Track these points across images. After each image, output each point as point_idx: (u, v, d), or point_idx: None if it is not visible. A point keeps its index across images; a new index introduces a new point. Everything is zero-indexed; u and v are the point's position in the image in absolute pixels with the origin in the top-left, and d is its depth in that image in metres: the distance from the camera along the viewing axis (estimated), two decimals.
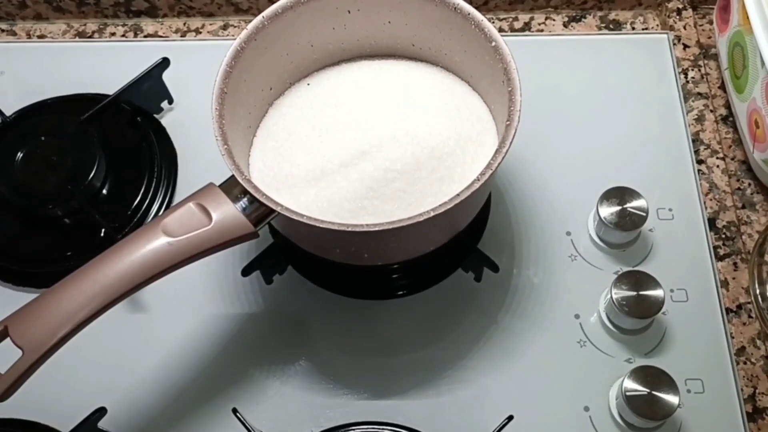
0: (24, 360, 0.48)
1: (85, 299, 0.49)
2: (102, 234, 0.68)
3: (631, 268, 0.65)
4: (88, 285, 0.50)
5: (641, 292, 0.60)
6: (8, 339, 0.49)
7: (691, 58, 0.76)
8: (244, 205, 0.53)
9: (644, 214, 0.64)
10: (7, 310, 0.50)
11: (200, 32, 0.84)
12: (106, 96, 0.74)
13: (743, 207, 0.69)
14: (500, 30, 0.75)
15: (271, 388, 0.63)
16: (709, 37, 0.78)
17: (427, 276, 0.66)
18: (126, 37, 0.83)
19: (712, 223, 0.68)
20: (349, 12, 0.62)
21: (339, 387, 0.63)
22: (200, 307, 0.67)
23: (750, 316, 0.64)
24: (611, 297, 0.61)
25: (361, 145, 0.58)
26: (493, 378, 0.63)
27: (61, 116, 0.74)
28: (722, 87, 0.75)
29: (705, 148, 0.71)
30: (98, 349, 0.64)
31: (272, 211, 0.52)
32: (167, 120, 0.76)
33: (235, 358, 0.65)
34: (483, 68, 0.60)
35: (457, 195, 0.51)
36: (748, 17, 0.64)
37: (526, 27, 0.82)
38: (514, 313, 0.65)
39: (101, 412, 0.61)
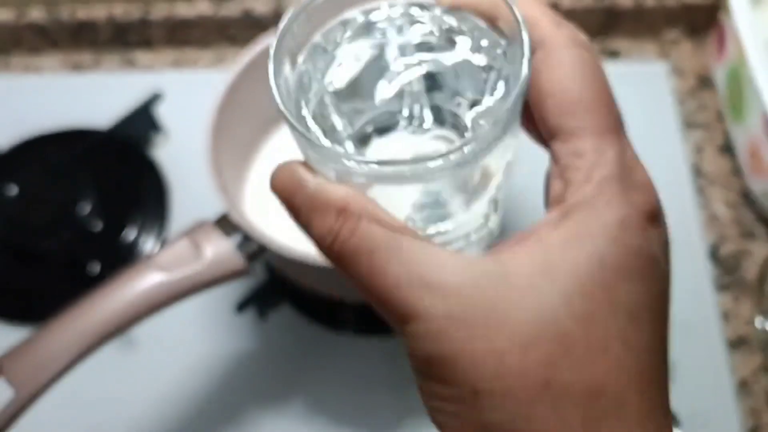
0: (17, 399, 0.48)
1: (77, 337, 0.49)
2: (94, 270, 0.68)
3: None
4: (81, 323, 0.50)
5: None
6: (2, 378, 0.48)
7: (689, 87, 0.76)
8: (237, 242, 0.52)
9: None
10: None
11: (195, 64, 0.84)
12: (99, 131, 0.74)
13: (744, 237, 0.69)
14: None
15: (265, 424, 0.63)
16: (707, 67, 0.78)
17: None
18: (120, 70, 0.83)
19: (712, 253, 0.67)
20: None
21: (335, 424, 0.62)
22: (194, 344, 0.66)
23: (752, 348, 0.63)
24: None
25: None
26: None
27: (54, 151, 0.74)
28: (720, 116, 0.75)
29: (704, 178, 0.71)
30: (91, 387, 0.63)
31: (266, 247, 0.52)
32: (160, 153, 0.76)
33: (229, 395, 0.64)
34: None
35: None
36: (743, 48, 0.64)
37: None
38: None
39: None
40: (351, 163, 0.25)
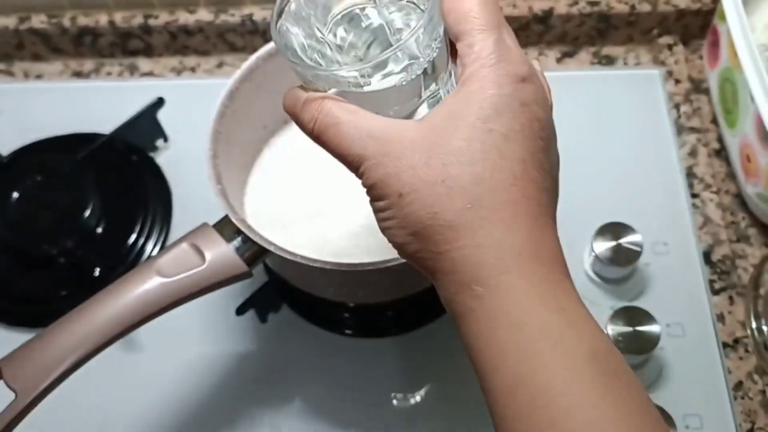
0: (18, 402, 0.48)
1: (78, 340, 0.49)
2: (96, 274, 0.68)
3: (626, 304, 0.65)
4: (82, 326, 0.50)
5: (637, 328, 0.60)
6: (1, 381, 0.49)
7: (683, 92, 0.77)
8: (237, 245, 0.53)
9: (639, 249, 0.64)
10: (0, 349, 0.50)
11: (195, 71, 0.84)
12: (101, 135, 0.75)
13: (738, 241, 0.69)
14: None
15: (265, 426, 0.63)
16: (700, 72, 0.79)
17: (422, 314, 0.66)
18: (122, 77, 0.84)
19: (707, 257, 0.68)
20: None
21: (334, 425, 0.63)
22: (195, 347, 0.67)
23: (747, 351, 0.63)
24: (607, 333, 0.60)
25: (356, 183, 0.59)
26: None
27: (57, 156, 0.74)
28: (714, 121, 0.75)
29: (698, 182, 0.72)
30: (92, 389, 0.64)
31: (266, 250, 0.53)
32: (162, 159, 0.77)
33: (229, 397, 0.64)
34: None
35: None
36: (736, 53, 0.65)
37: None
38: None
39: None
40: (315, 72, 0.37)
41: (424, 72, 0.38)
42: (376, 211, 0.37)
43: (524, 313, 0.33)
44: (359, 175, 0.37)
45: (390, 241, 0.37)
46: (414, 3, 0.38)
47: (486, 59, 0.35)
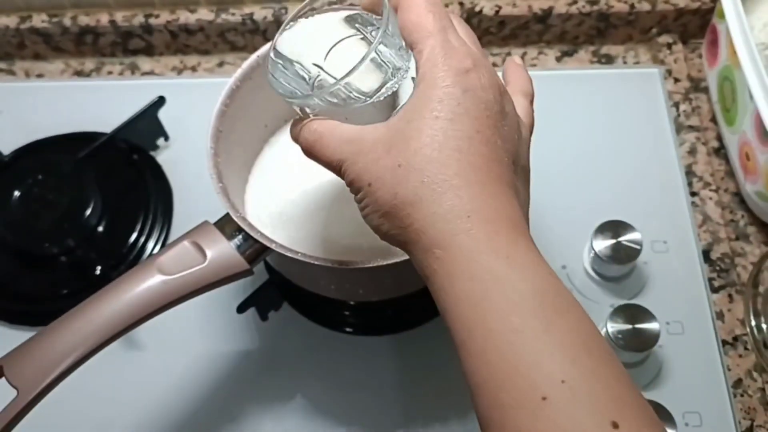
0: (19, 400, 0.48)
1: (80, 338, 0.49)
2: (97, 272, 0.68)
3: (626, 301, 0.65)
4: (84, 324, 0.50)
5: (637, 326, 0.61)
6: (3, 379, 0.49)
7: (682, 91, 0.77)
8: (238, 243, 0.53)
9: (638, 247, 0.64)
10: (2, 348, 0.50)
11: (196, 70, 0.84)
12: (102, 134, 0.75)
13: (737, 239, 0.69)
14: (494, 65, 0.76)
15: (266, 424, 0.63)
16: (700, 71, 0.79)
17: (422, 311, 0.66)
18: (123, 76, 0.84)
19: (706, 255, 0.68)
20: None
21: (334, 423, 0.63)
22: (196, 345, 0.67)
23: (746, 348, 0.64)
24: (607, 331, 0.61)
25: None
26: None
27: (58, 155, 0.75)
28: (713, 119, 0.76)
29: (698, 181, 0.72)
30: (94, 387, 0.64)
31: (267, 248, 0.53)
32: (163, 157, 0.77)
33: (230, 394, 0.65)
34: None
35: None
36: (735, 52, 0.65)
37: None
38: None
39: None
40: (296, 101, 0.44)
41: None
42: (357, 203, 0.42)
43: (475, 266, 0.37)
44: (342, 177, 0.42)
45: (369, 226, 0.42)
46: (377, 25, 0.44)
47: (433, 61, 0.40)
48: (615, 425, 0.33)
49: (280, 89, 0.44)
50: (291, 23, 0.46)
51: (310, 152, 0.43)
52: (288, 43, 0.46)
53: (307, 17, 0.46)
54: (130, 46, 0.85)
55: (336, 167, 0.42)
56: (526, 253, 0.38)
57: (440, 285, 0.38)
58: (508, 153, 0.41)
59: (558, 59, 0.82)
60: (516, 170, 0.42)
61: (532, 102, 0.47)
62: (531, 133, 0.46)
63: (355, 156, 0.41)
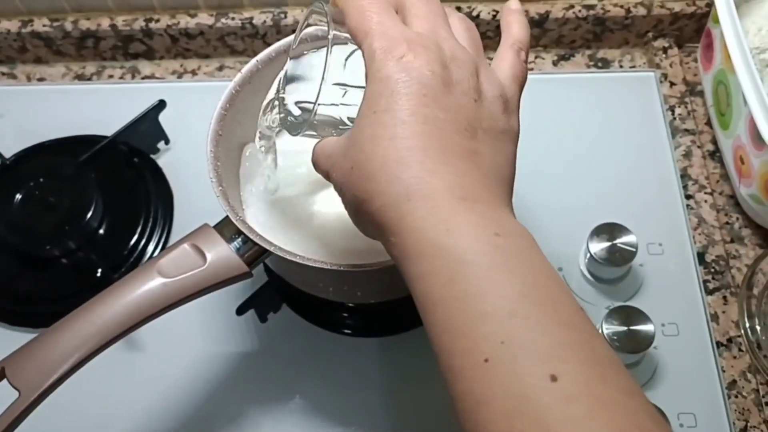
0: (21, 401, 0.48)
1: (81, 340, 0.50)
2: (98, 274, 0.69)
3: (621, 303, 0.65)
4: (84, 326, 0.50)
5: (632, 327, 0.61)
6: (5, 380, 0.49)
7: (678, 95, 0.78)
8: (238, 246, 0.53)
9: (634, 250, 0.65)
10: (4, 349, 0.51)
11: (196, 73, 0.85)
12: (103, 137, 0.75)
13: (732, 241, 0.70)
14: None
15: (266, 424, 0.64)
16: (695, 75, 0.80)
17: None
18: (124, 79, 0.85)
19: (701, 257, 0.69)
20: None
21: (333, 424, 0.63)
22: (195, 346, 0.67)
23: (740, 350, 0.64)
24: (602, 332, 0.61)
25: None
26: None
27: (60, 158, 0.75)
28: (709, 123, 0.76)
29: (693, 184, 0.72)
30: (94, 388, 0.64)
31: (266, 251, 0.53)
32: (164, 160, 0.78)
33: (229, 395, 0.65)
34: None
35: None
36: (730, 56, 0.65)
37: None
38: None
39: None
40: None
41: None
42: (345, 206, 0.45)
43: (421, 245, 0.38)
44: (330, 180, 0.45)
45: (354, 224, 0.45)
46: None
47: (370, 57, 0.42)
48: (554, 378, 0.33)
49: (292, 131, 0.50)
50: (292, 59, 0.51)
51: (316, 170, 0.47)
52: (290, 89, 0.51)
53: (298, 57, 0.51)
54: (130, 49, 0.85)
55: (326, 179, 0.46)
56: (468, 218, 0.38)
57: (402, 270, 0.40)
58: (457, 122, 0.41)
59: (555, 63, 0.83)
60: (475, 135, 0.42)
61: (522, 50, 0.47)
62: (521, 85, 0.46)
63: (331, 166, 0.44)
